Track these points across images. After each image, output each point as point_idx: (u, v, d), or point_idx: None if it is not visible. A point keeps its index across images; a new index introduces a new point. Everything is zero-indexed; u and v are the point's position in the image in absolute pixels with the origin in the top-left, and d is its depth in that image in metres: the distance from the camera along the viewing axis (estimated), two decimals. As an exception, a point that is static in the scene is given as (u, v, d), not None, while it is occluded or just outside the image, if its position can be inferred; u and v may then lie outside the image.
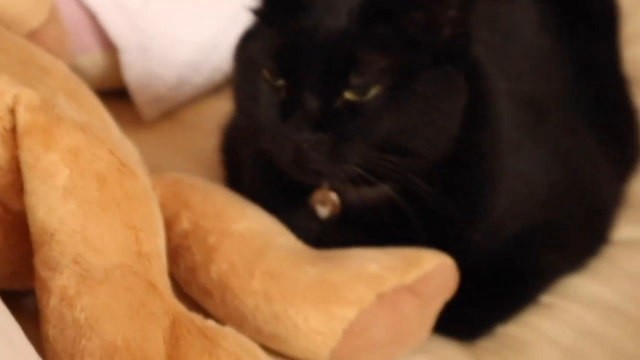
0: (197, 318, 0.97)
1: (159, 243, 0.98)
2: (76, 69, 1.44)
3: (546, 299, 1.21)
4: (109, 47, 1.48)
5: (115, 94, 1.49)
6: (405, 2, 1.03)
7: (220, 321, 1.04)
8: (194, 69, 1.50)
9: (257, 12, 1.10)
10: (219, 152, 1.34)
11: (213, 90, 1.53)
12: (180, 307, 0.97)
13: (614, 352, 1.17)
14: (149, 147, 1.39)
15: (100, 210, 0.94)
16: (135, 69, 1.47)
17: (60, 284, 0.93)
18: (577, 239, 1.25)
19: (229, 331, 0.97)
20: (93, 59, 1.48)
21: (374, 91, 1.02)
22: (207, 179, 1.25)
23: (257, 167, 1.18)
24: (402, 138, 1.03)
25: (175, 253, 1.11)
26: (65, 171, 0.94)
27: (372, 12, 1.02)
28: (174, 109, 1.52)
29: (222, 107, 1.30)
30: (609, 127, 1.36)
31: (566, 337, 1.17)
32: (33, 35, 1.18)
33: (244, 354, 0.94)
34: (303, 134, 1.00)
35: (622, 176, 1.37)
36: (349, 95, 1.02)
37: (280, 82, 1.03)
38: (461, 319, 1.16)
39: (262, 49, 1.05)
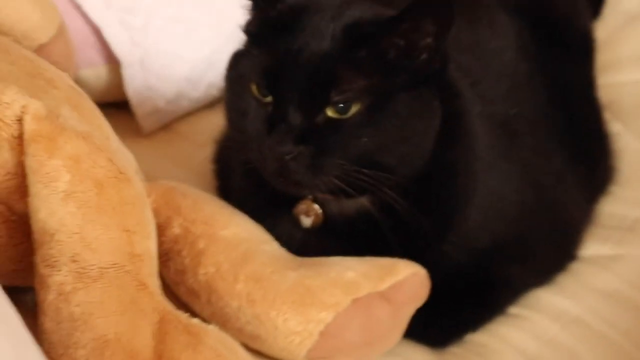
0: (183, 316, 1.03)
1: (151, 245, 1.05)
2: (81, 81, 1.50)
3: (514, 310, 1.27)
4: (113, 62, 1.54)
5: (117, 105, 1.56)
6: (385, 30, 1.09)
7: (206, 321, 1.09)
8: (192, 84, 1.56)
9: (249, 33, 1.16)
10: (212, 162, 1.40)
11: (209, 105, 1.60)
12: (168, 305, 1.04)
13: (574, 361, 1.23)
14: (147, 156, 1.44)
15: (97, 214, 1.00)
16: (136, 83, 1.53)
17: (58, 281, 1.00)
18: (545, 255, 1.31)
19: (212, 329, 1.03)
20: (97, 72, 1.54)
21: (354, 109, 1.08)
22: (201, 188, 1.30)
23: (245, 178, 1.24)
24: (378, 154, 1.09)
25: (167, 256, 1.17)
26: (66, 176, 1.00)
27: (353, 36, 1.09)
28: (172, 121, 1.58)
29: (217, 121, 1.35)
30: (582, 150, 1.41)
31: (530, 346, 1.23)
32: (42, 50, 1.25)
33: (224, 350, 1.00)
34: (286, 146, 1.07)
35: (592, 197, 1.42)
36: (330, 112, 1.08)
37: (268, 98, 1.10)
38: (433, 326, 1.21)
39: (252, 67, 1.11)
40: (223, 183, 1.37)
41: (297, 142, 1.07)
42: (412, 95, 1.10)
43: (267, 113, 1.10)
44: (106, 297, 0.99)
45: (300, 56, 1.08)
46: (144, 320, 1.00)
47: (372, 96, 1.08)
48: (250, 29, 1.16)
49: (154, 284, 1.04)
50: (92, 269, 1.00)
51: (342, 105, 1.08)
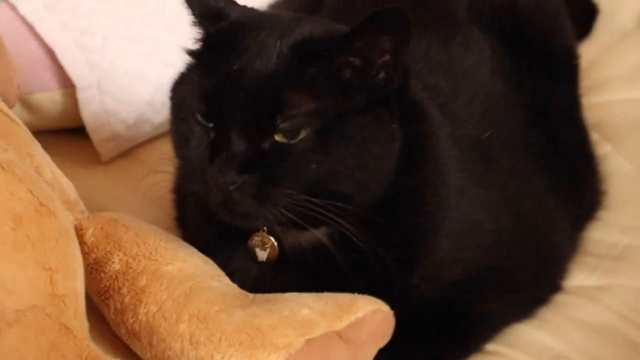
0: None
1: (77, 285, 0.99)
2: (34, 106, 1.48)
3: (491, 347, 1.21)
4: (68, 85, 1.49)
5: (75, 131, 1.52)
6: (338, 48, 1.03)
7: None
8: (154, 107, 1.51)
9: (192, 53, 1.10)
10: (171, 192, 1.33)
11: (173, 130, 1.55)
12: (94, 351, 0.97)
13: (555, 403, 1.17)
14: (105, 186, 1.44)
15: (14, 251, 0.94)
16: (93, 107, 1.48)
17: (-28, 325, 0.93)
18: (526, 286, 1.25)
19: None
20: (52, 96, 1.50)
21: (302, 134, 1.02)
22: (161, 219, 1.26)
23: (197, 208, 1.19)
24: (331, 182, 1.03)
25: (106, 294, 1.11)
26: (-21, 209, 0.94)
27: (302, 55, 1.03)
28: (133, 147, 1.53)
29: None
30: (566, 173, 1.36)
31: None
32: (-24, 74, 1.20)
33: None
34: (228, 175, 1.01)
35: (578, 223, 1.37)
36: (278, 137, 1.02)
37: (210, 123, 1.04)
38: None
39: (192, 90, 1.06)
40: (181, 213, 1.32)
41: (241, 170, 1.02)
42: (368, 117, 1.05)
43: (210, 139, 1.05)
44: (22, 344, 0.93)
45: (243, 77, 1.03)
46: (65, 369, 0.92)
47: (323, 119, 1.03)
48: (195, 49, 1.11)
49: (80, 327, 0.98)
50: (8, 312, 0.93)
51: (289, 130, 1.02)
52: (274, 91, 1.01)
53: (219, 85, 1.03)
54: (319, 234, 1.09)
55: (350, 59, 1.03)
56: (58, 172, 1.14)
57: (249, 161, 1.02)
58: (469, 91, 1.29)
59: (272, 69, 1.02)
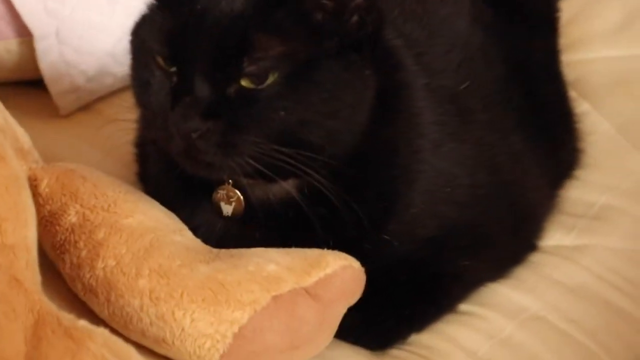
0: (65, 317, 0.92)
1: (28, 235, 0.94)
2: None
3: (464, 307, 1.18)
4: (25, 34, 1.44)
5: (34, 84, 1.47)
6: None
7: (106, 323, 1.00)
8: (116, 59, 1.45)
9: None
10: (133, 146, 1.29)
11: (135, 82, 1.50)
12: (47, 305, 0.92)
13: (532, 364, 1.14)
14: (64, 140, 1.39)
15: (-41, 198, 0.89)
16: (51, 58, 1.43)
17: None
18: (501, 245, 1.21)
19: (100, 332, 0.92)
20: (7, 46, 1.45)
21: (270, 79, 0.97)
22: (123, 175, 1.21)
23: (158, 161, 1.14)
24: (301, 130, 0.99)
25: (62, 248, 1.06)
26: None
27: None
28: (93, 101, 1.48)
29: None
30: (544, 130, 1.33)
31: (483, 347, 1.14)
32: None
33: (111, 356, 0.89)
34: (191, 122, 0.96)
35: (556, 181, 1.34)
36: (244, 82, 0.97)
37: (173, 67, 0.99)
38: (371, 326, 1.12)
39: (154, 33, 1.01)
40: (143, 168, 1.27)
41: (205, 117, 0.97)
42: (340, 63, 1.01)
43: (171, 84, 1.00)
44: (-32, 296, 0.87)
45: (207, 18, 0.98)
46: (14, 322, 0.88)
47: (292, 64, 0.98)
48: None
49: (32, 279, 0.93)
50: (-48, 263, 0.87)
51: (256, 74, 0.97)
52: (240, 33, 0.97)
53: (182, 26, 0.98)
54: (287, 186, 1.04)
55: (322, 1, 0.99)
56: (11, 120, 1.09)
57: (213, 107, 0.97)
58: (446, 41, 1.25)
59: (239, 10, 0.97)
